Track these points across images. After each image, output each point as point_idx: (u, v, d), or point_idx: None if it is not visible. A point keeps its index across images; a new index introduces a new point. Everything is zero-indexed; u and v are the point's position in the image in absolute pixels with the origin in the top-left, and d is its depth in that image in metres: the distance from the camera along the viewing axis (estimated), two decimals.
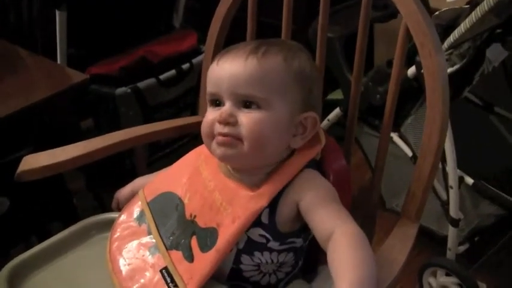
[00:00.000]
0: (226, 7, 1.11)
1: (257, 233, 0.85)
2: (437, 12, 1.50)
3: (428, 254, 1.71)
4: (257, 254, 0.86)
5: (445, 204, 1.60)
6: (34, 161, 0.96)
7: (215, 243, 0.85)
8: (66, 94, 1.21)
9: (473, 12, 1.27)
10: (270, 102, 0.84)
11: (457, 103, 1.82)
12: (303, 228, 0.87)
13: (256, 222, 0.85)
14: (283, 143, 0.87)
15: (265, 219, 0.85)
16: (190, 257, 0.86)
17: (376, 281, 0.72)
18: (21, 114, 1.15)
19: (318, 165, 0.91)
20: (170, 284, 0.85)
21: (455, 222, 1.58)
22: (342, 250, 0.75)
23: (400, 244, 0.84)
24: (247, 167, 0.88)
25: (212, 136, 0.86)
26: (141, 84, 1.80)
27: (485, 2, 1.24)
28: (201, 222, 0.88)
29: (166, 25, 2.08)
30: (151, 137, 1.12)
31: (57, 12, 1.66)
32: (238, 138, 0.84)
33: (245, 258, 0.87)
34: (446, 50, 1.36)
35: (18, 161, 0.95)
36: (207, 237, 0.86)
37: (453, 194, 1.55)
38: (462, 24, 1.31)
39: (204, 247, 0.85)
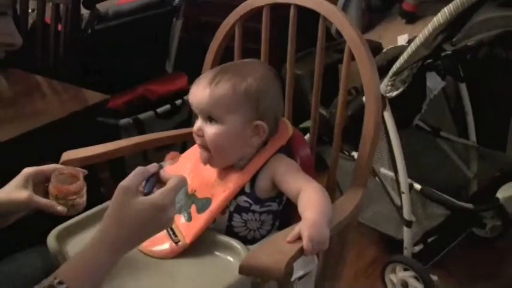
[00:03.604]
0: (217, 43, 1.44)
1: (242, 200, 1.16)
2: (384, 49, 1.86)
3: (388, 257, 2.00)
4: (244, 214, 1.17)
5: (399, 209, 1.91)
6: (73, 154, 1.27)
7: (209, 207, 1.15)
8: (91, 110, 1.53)
9: (409, 47, 1.63)
10: (223, 118, 1.14)
11: (410, 130, 2.16)
12: (277, 195, 1.18)
13: (241, 192, 1.16)
14: (242, 144, 1.16)
15: (247, 189, 1.17)
16: (189, 218, 1.16)
17: (331, 217, 1.03)
18: (55, 124, 1.46)
19: (286, 151, 1.23)
20: (173, 237, 1.14)
21: (408, 224, 1.89)
22: (307, 196, 1.07)
23: (350, 200, 1.16)
24: (223, 165, 1.19)
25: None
26: (142, 116, 2.13)
27: (417, 38, 1.60)
28: (199, 194, 1.19)
29: (160, 69, 2.42)
30: (160, 141, 1.43)
31: None
32: (207, 147, 1.16)
33: (236, 217, 1.17)
34: (391, 77, 1.70)
35: None
36: (203, 204, 1.17)
37: (405, 199, 1.86)
38: (401, 56, 1.66)
39: (200, 210, 1.16)
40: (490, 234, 2.21)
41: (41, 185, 1.13)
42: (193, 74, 2.33)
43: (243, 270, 0.94)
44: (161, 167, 1.01)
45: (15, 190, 1.09)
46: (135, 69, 2.23)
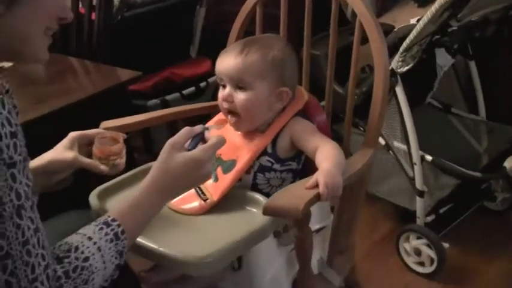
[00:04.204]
0: (240, 22, 1.57)
1: (265, 159, 1.29)
2: (396, 29, 1.98)
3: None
4: (266, 173, 1.30)
5: (412, 180, 2.02)
6: (111, 123, 1.40)
7: (234, 167, 1.28)
8: (124, 85, 1.67)
9: (417, 24, 1.74)
10: (253, 85, 1.27)
11: (423, 108, 2.27)
12: (295, 155, 1.31)
13: (264, 152, 1.29)
14: (266, 109, 1.29)
15: (269, 149, 1.29)
16: (215, 178, 1.28)
17: (345, 169, 1.16)
18: (92, 98, 1.60)
19: (303, 115, 1.35)
20: (201, 195, 1.26)
21: (421, 194, 2.00)
22: (324, 151, 1.20)
23: (361, 157, 1.29)
24: (249, 129, 1.31)
25: (224, 109, 1.31)
26: (168, 97, 2.27)
27: (425, 15, 1.71)
28: (225, 157, 1.31)
29: (185, 54, 2.56)
30: (189, 113, 1.56)
31: None
32: (237, 112, 1.28)
33: (259, 176, 1.30)
34: (402, 53, 1.81)
35: None
36: (228, 165, 1.29)
37: (417, 170, 1.97)
38: (411, 33, 1.77)
39: (226, 171, 1.29)
40: (500, 207, 2.31)
41: (84, 147, 1.26)
42: (216, 59, 2.47)
43: (266, 211, 1.07)
44: (206, 129, 1.16)
45: (63, 151, 1.23)
46: (161, 54, 2.36)
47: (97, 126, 1.39)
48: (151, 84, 2.27)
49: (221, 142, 1.11)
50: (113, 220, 0.97)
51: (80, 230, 0.96)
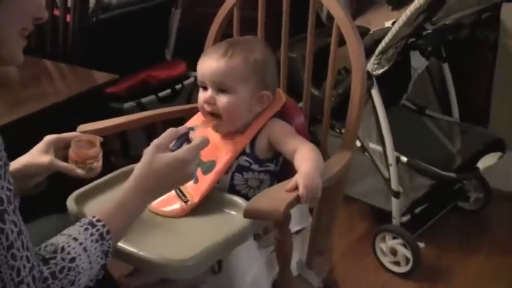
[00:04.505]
0: (217, 25, 1.56)
1: (243, 159, 1.30)
2: (371, 31, 2.00)
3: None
4: (244, 173, 1.30)
5: (388, 181, 2.04)
6: (88, 126, 1.39)
7: (214, 168, 1.28)
8: (100, 88, 1.65)
9: (393, 27, 1.76)
10: (235, 88, 1.27)
11: (397, 110, 2.30)
12: (273, 157, 1.32)
13: (242, 153, 1.29)
14: (248, 111, 1.30)
15: (248, 149, 1.30)
16: (195, 180, 1.28)
17: (323, 172, 1.17)
18: (68, 101, 1.58)
19: (281, 116, 1.35)
20: (182, 197, 1.26)
21: (396, 194, 2.02)
22: (303, 154, 1.21)
23: (339, 159, 1.30)
24: (230, 131, 1.31)
25: (204, 111, 1.31)
26: (144, 100, 2.26)
27: (400, 18, 1.74)
28: (204, 158, 1.31)
29: (160, 57, 2.55)
30: (166, 115, 1.55)
31: None
32: (219, 114, 1.28)
33: (237, 176, 1.30)
34: (377, 55, 1.83)
35: None
36: (208, 166, 1.29)
37: (393, 171, 2.00)
38: (386, 36, 1.79)
39: (206, 172, 1.29)
40: (473, 206, 2.36)
41: (61, 150, 1.25)
42: (191, 61, 2.46)
43: (247, 213, 1.08)
44: (191, 129, 1.16)
45: (39, 154, 1.21)
46: (137, 56, 2.35)
47: (73, 130, 1.37)
48: (126, 87, 2.26)
49: (205, 142, 1.12)
50: (98, 220, 0.97)
51: (64, 231, 0.95)
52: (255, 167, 1.30)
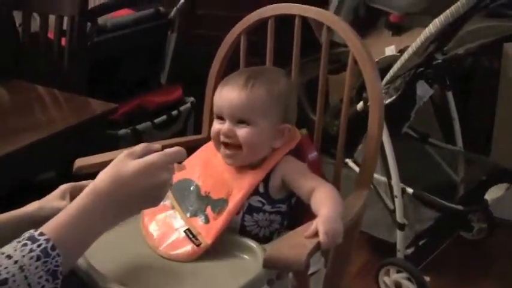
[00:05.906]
0: (224, 52, 1.50)
1: (256, 199, 1.22)
2: (377, 59, 1.94)
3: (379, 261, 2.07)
4: (255, 215, 1.23)
5: (393, 213, 1.98)
6: (86, 161, 1.32)
7: (226, 208, 1.20)
8: (99, 118, 1.58)
9: (402, 56, 1.71)
10: (256, 120, 1.21)
11: (400, 138, 2.25)
12: (287, 197, 1.25)
13: (255, 192, 1.22)
14: (267, 145, 1.24)
15: (261, 189, 1.23)
16: (206, 220, 1.21)
17: (343, 215, 1.10)
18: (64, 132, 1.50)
19: (295, 153, 1.29)
20: (193, 239, 1.18)
21: (401, 227, 1.96)
22: (322, 195, 1.14)
23: (357, 200, 1.24)
24: (247, 163, 1.24)
25: (219, 141, 1.24)
26: (140, 127, 2.18)
27: (410, 47, 1.68)
28: (214, 196, 1.23)
29: (155, 81, 2.48)
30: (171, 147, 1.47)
31: None
32: (238, 146, 1.22)
33: (247, 217, 1.23)
34: (385, 84, 1.78)
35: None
36: (219, 205, 1.22)
37: (398, 202, 1.94)
38: (395, 65, 1.74)
39: (216, 211, 1.21)
40: (476, 236, 2.31)
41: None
42: (185, 85, 2.39)
43: (266, 263, 1.00)
44: (163, 149, 1.03)
45: (54, 199, 1.14)
46: (131, 80, 2.29)
47: (69, 159, 1.33)
48: (122, 113, 2.18)
49: (179, 153, 1.02)
50: (41, 234, 0.84)
51: None
52: (267, 207, 1.23)
